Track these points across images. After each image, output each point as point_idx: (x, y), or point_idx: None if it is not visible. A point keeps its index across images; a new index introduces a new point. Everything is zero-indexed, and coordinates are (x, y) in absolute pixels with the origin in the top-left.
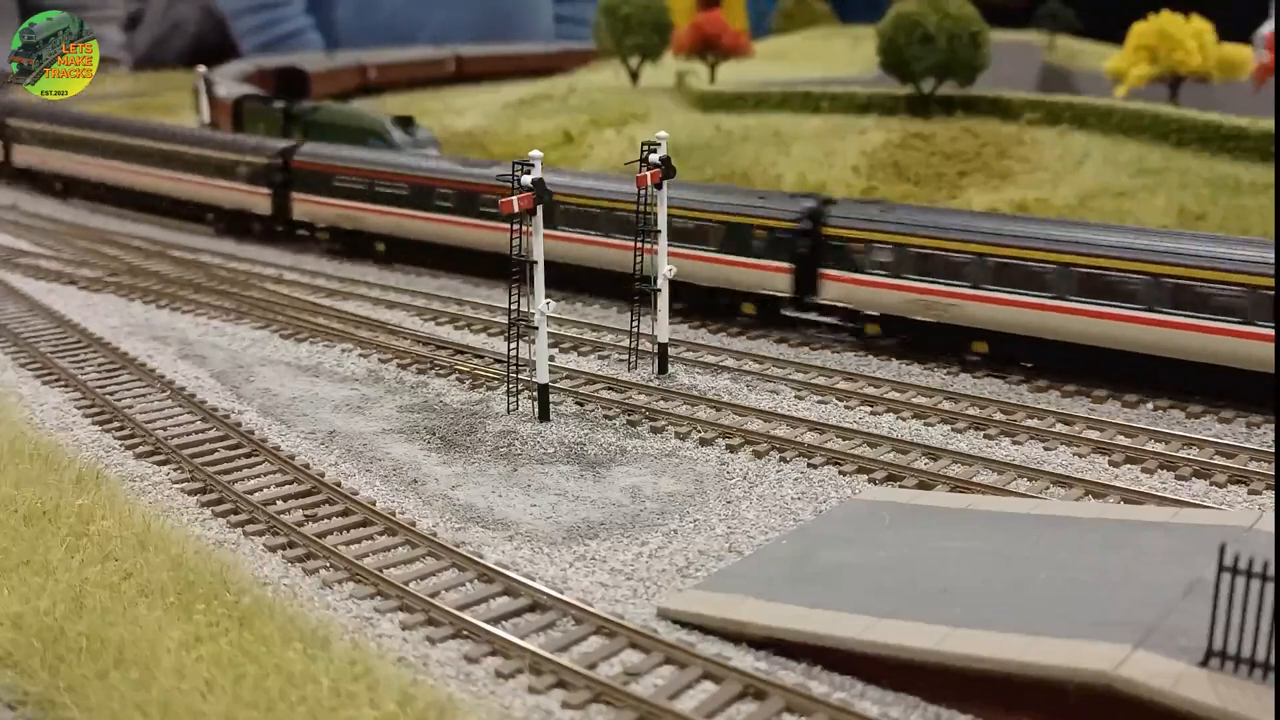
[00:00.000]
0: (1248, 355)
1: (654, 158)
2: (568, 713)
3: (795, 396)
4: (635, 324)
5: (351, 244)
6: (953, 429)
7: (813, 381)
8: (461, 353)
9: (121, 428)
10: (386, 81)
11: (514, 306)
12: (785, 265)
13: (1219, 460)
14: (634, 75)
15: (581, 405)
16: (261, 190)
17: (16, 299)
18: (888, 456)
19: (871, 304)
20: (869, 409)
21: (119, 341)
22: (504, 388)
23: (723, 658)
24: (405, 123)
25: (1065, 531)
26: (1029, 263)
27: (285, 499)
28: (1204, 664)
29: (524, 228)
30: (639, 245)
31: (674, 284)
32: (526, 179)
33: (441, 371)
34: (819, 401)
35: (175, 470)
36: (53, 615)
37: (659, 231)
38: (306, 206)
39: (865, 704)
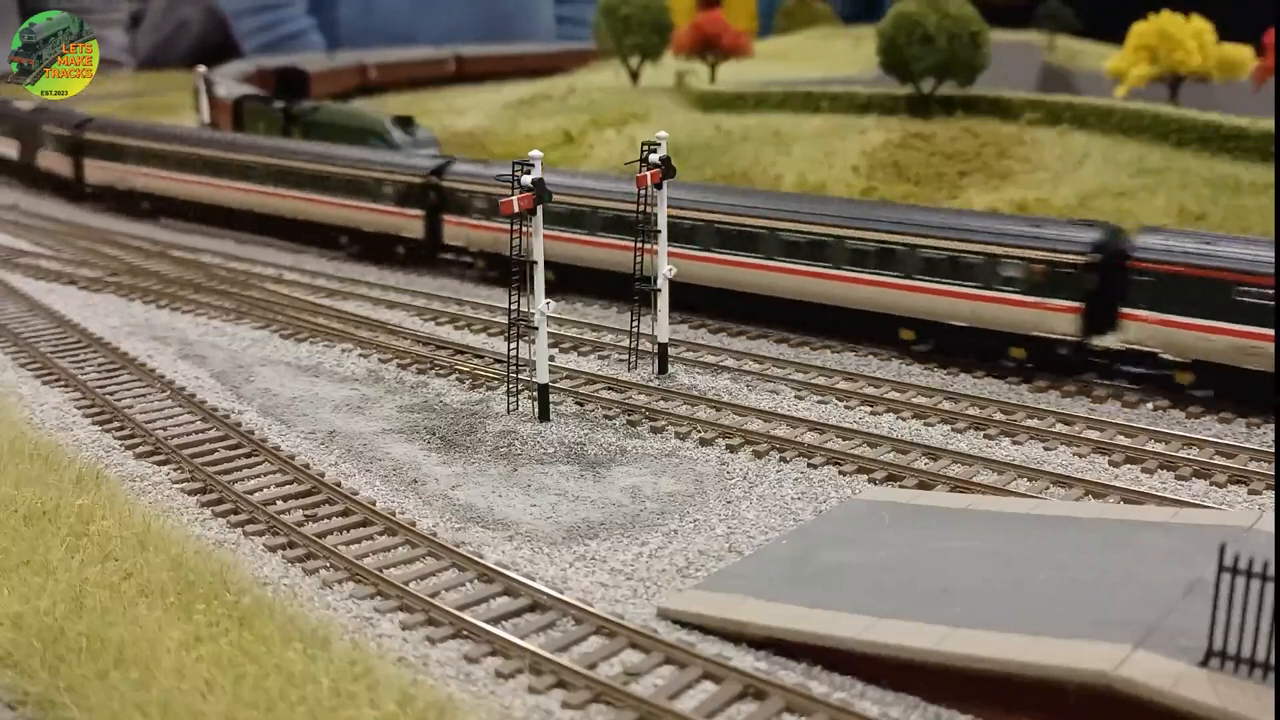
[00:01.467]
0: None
1: (654, 158)
2: (568, 713)
3: (795, 396)
4: (635, 324)
5: None
6: (953, 429)
7: (813, 381)
8: (461, 353)
9: (121, 428)
10: (387, 81)
11: (514, 306)
12: None
13: (1219, 460)
14: (634, 75)
15: (581, 405)
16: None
17: (16, 299)
18: (888, 456)
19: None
20: (869, 409)
21: (119, 341)
22: (504, 388)
23: (723, 658)
24: (405, 123)
25: (1065, 531)
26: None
27: (285, 499)
28: (1204, 664)
29: (524, 228)
30: (639, 245)
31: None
32: (526, 179)
33: (441, 371)
34: (819, 401)
35: (175, 470)
36: (53, 615)
37: (659, 231)
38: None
39: (865, 704)
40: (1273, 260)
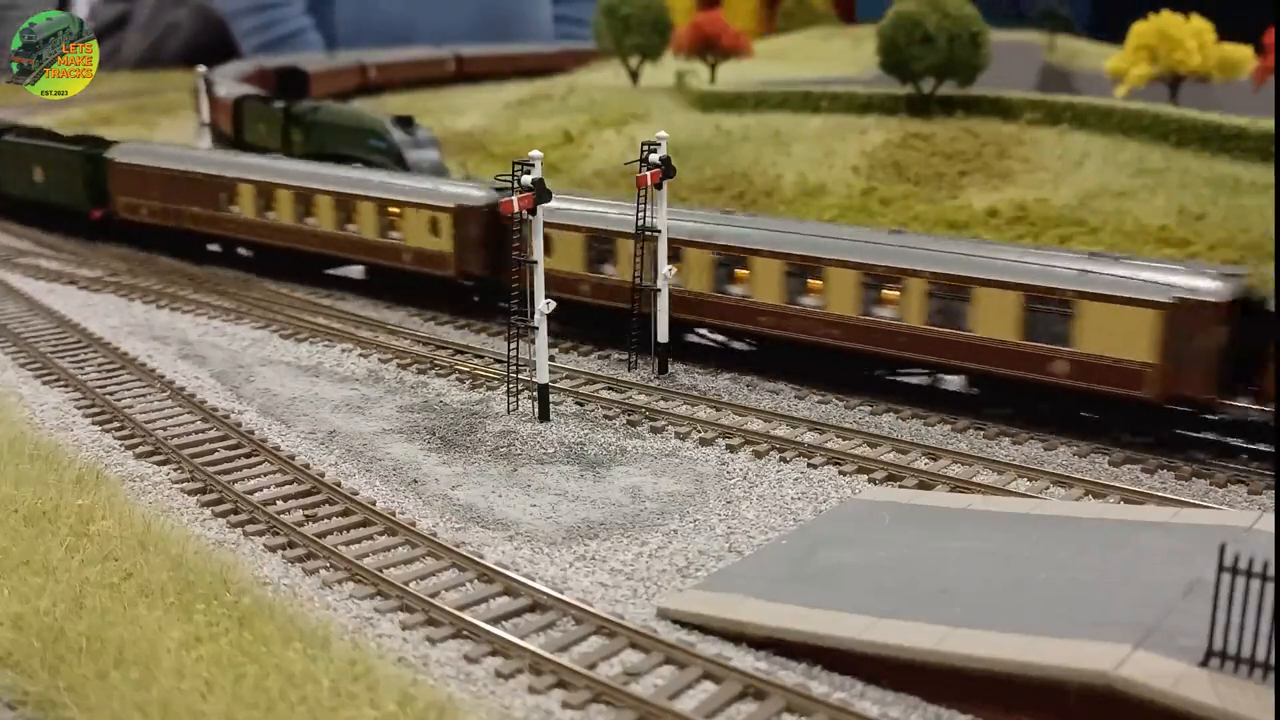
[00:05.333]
0: None
1: (654, 158)
2: (568, 713)
3: (795, 396)
4: (635, 324)
5: None
6: (953, 429)
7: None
8: (461, 353)
9: (121, 428)
10: (386, 81)
11: (514, 306)
12: None
13: (1219, 460)
14: (634, 75)
15: (581, 405)
16: None
17: (16, 299)
18: (888, 456)
19: None
20: (869, 409)
21: (119, 341)
22: (504, 388)
23: (723, 658)
24: (405, 123)
25: (1065, 531)
26: None
27: (285, 499)
28: (1204, 664)
29: (524, 228)
30: (639, 249)
31: None
32: (526, 179)
33: (441, 371)
34: (819, 401)
35: (175, 470)
36: (53, 615)
37: (659, 233)
38: None
39: (865, 704)
40: None
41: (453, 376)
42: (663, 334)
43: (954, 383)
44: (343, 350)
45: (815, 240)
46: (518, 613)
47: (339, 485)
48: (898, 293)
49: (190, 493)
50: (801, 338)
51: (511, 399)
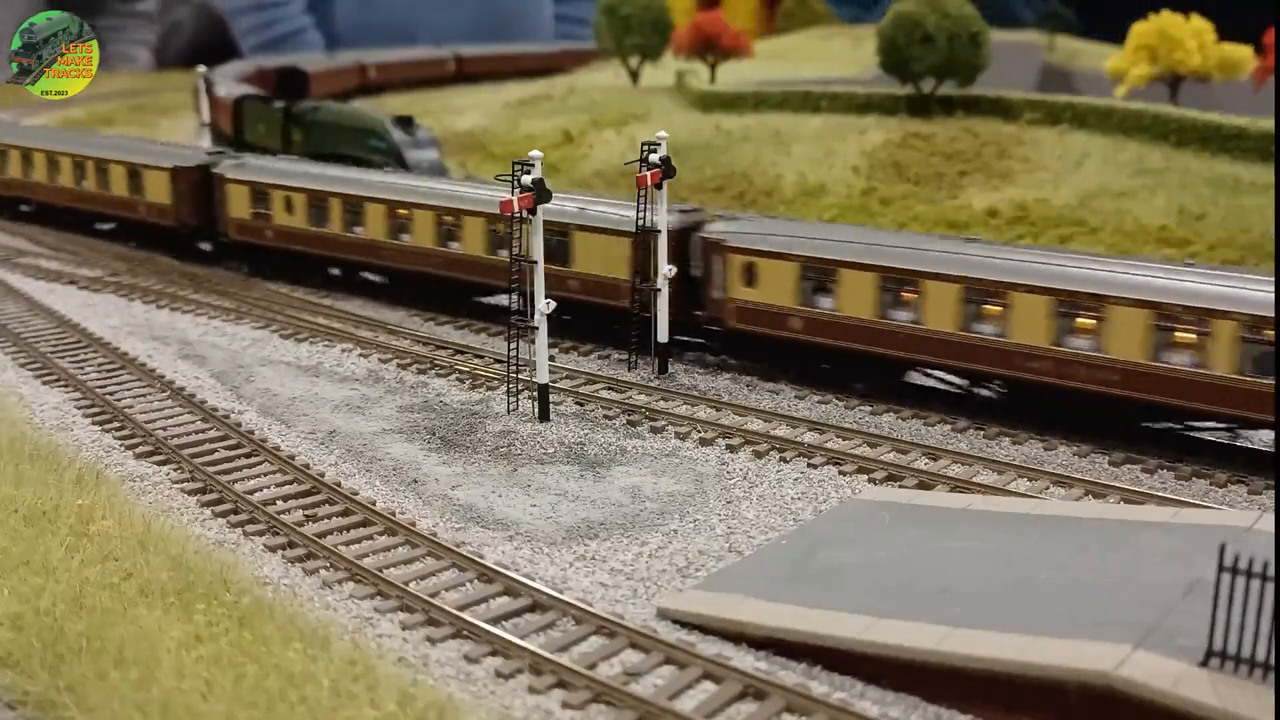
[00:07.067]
0: None
1: (654, 158)
2: (568, 713)
3: (795, 396)
4: (635, 324)
5: None
6: (953, 429)
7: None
8: (461, 353)
9: (121, 428)
10: (386, 81)
11: (514, 306)
12: None
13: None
14: (634, 75)
15: (581, 405)
16: None
17: (16, 299)
18: (888, 456)
19: None
20: (869, 409)
21: (119, 341)
22: (504, 388)
23: (723, 658)
24: (405, 123)
25: (1065, 531)
26: None
27: (285, 499)
28: (1204, 664)
29: (523, 228)
30: (638, 249)
31: None
32: (526, 179)
33: (441, 371)
34: (819, 401)
35: (175, 470)
36: (53, 615)
37: (658, 232)
38: None
39: (865, 704)
40: None
41: (453, 376)
42: (663, 334)
43: None
44: (343, 350)
45: None
46: (518, 613)
47: (339, 485)
48: None
49: (190, 493)
50: None
51: (511, 399)
